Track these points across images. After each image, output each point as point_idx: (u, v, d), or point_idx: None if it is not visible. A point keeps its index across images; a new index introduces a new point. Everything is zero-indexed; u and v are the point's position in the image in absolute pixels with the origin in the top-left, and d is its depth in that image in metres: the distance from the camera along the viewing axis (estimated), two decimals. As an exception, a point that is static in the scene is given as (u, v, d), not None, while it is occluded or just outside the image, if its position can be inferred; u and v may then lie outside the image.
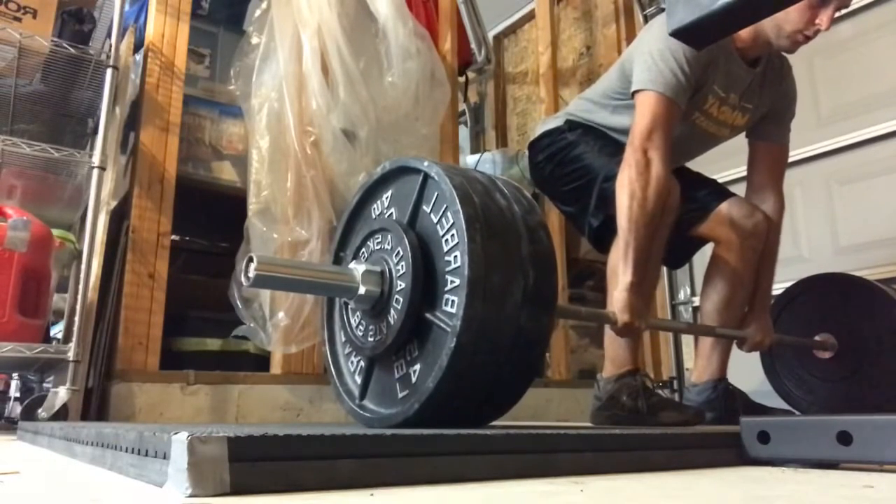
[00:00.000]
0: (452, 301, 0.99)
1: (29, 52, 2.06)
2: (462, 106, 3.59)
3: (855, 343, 1.96)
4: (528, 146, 2.03)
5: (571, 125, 1.90)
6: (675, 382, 2.87)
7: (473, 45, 3.47)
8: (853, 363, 1.96)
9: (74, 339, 1.83)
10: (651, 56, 1.62)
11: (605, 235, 1.77)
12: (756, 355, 2.32)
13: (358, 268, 1.12)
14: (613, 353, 1.71)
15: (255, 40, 2.28)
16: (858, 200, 2.40)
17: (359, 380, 1.19)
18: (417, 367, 1.05)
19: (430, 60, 2.37)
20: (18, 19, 2.02)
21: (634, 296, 1.51)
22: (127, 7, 2.20)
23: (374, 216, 1.25)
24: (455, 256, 1.01)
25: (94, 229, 1.94)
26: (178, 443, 0.64)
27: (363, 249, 1.19)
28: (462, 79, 3.39)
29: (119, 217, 2.12)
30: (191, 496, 0.62)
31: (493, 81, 3.74)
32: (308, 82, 2.18)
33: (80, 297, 1.88)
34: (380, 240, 1.16)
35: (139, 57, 2.24)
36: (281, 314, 2.04)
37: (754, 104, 1.83)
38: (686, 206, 1.77)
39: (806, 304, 2.09)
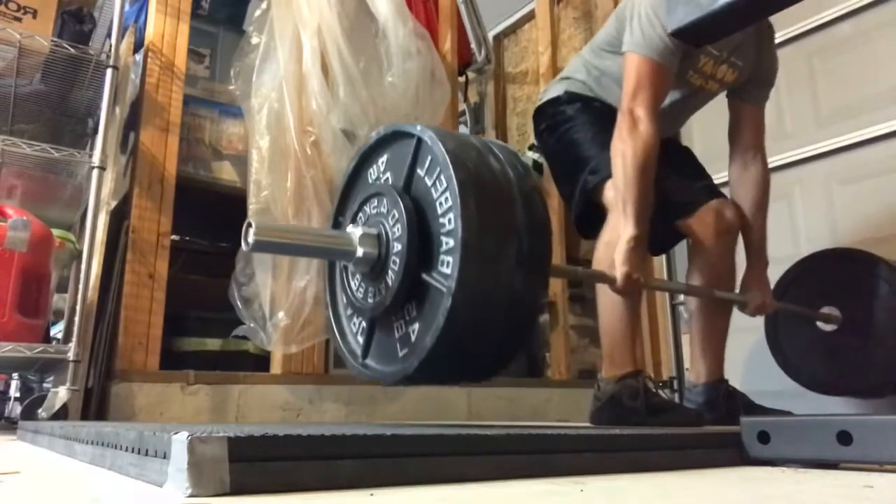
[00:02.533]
0: (448, 262, 1.01)
1: (29, 52, 2.06)
2: (462, 106, 3.59)
3: (860, 317, 1.95)
4: (534, 113, 2.03)
5: (571, 97, 1.90)
6: (675, 383, 2.87)
7: (473, 45, 3.47)
8: (858, 337, 1.95)
9: (74, 339, 1.83)
10: (639, 19, 1.66)
11: (586, 223, 1.81)
12: (755, 357, 2.32)
13: (355, 231, 1.14)
14: (612, 353, 1.71)
15: (255, 40, 2.28)
16: (858, 200, 2.41)
17: (361, 340, 1.22)
18: (416, 326, 1.07)
19: (430, 60, 2.37)
20: (18, 19, 2.02)
21: (635, 250, 1.53)
22: (127, 7, 2.20)
23: (370, 181, 1.26)
24: (449, 219, 1.02)
25: (94, 229, 1.94)
26: (179, 442, 0.64)
27: (360, 214, 1.21)
28: (462, 79, 3.39)
29: (119, 217, 2.12)
30: (191, 496, 0.62)
31: (493, 81, 3.74)
32: (308, 82, 2.18)
33: (80, 297, 1.88)
34: (376, 204, 1.18)
35: (139, 57, 2.24)
36: (281, 314, 2.04)
37: (744, 62, 1.84)
38: (680, 194, 1.79)
39: (812, 279, 2.08)
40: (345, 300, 1.28)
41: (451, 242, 1.01)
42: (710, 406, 1.82)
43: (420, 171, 1.11)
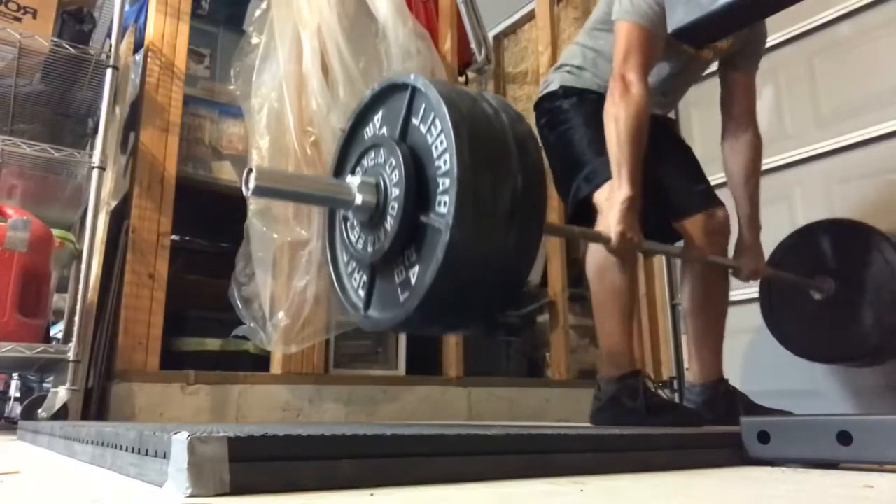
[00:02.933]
0: (444, 202, 1.03)
1: (29, 52, 2.06)
2: (462, 106, 3.58)
3: (853, 286, 1.97)
4: (534, 106, 2.03)
5: (567, 91, 1.90)
6: (675, 382, 2.87)
7: (473, 45, 3.47)
8: (851, 305, 1.97)
9: (74, 338, 1.83)
10: None
11: (578, 223, 1.82)
12: (755, 357, 2.33)
13: (354, 180, 1.16)
14: (610, 353, 1.72)
15: (255, 40, 2.28)
16: (858, 200, 2.40)
17: (362, 293, 1.23)
18: (416, 269, 1.08)
19: (430, 60, 2.37)
20: (18, 19, 2.02)
21: (630, 210, 1.55)
22: (127, 7, 2.20)
23: (366, 138, 1.27)
24: (444, 160, 1.04)
25: (94, 229, 1.94)
26: (179, 442, 0.64)
27: (358, 168, 1.23)
28: (462, 79, 3.39)
29: (119, 217, 2.12)
30: (191, 496, 0.62)
31: (493, 81, 3.74)
32: (308, 82, 2.18)
33: (80, 296, 1.88)
34: (373, 156, 1.19)
35: (139, 57, 2.24)
36: (281, 314, 2.04)
37: None
38: (680, 196, 1.81)
39: (806, 249, 2.10)
40: (345, 258, 1.30)
41: (447, 182, 1.02)
42: (710, 406, 1.82)
43: (415, 121, 1.13)
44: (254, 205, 2.11)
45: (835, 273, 2.02)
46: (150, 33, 2.16)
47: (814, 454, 0.98)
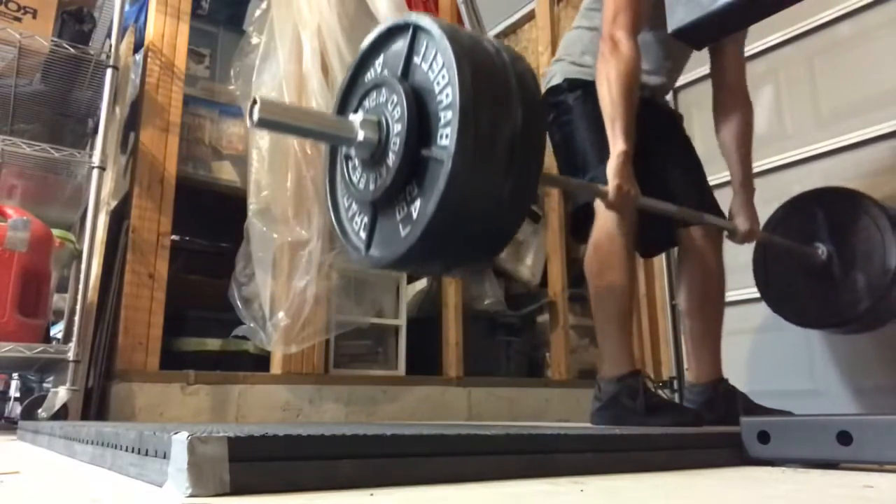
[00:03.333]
0: (446, 134, 1.03)
1: (29, 52, 2.06)
2: (462, 106, 3.58)
3: (845, 253, 2.00)
4: None
5: (571, 84, 1.89)
6: (675, 382, 2.87)
7: (473, 45, 3.47)
8: (843, 272, 1.99)
9: (74, 338, 1.83)
10: None
11: (579, 226, 1.84)
12: (755, 357, 2.32)
13: (356, 117, 1.16)
14: (610, 353, 1.72)
15: (255, 40, 2.28)
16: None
17: (363, 235, 1.23)
18: (417, 202, 1.08)
19: (430, 60, 2.37)
20: (18, 19, 2.02)
21: (625, 164, 1.57)
22: (127, 7, 2.20)
23: (367, 82, 1.28)
24: (447, 94, 1.05)
25: (94, 229, 1.94)
26: (179, 442, 0.64)
27: (360, 109, 1.23)
28: (462, 79, 3.38)
29: (119, 217, 2.12)
30: (191, 496, 0.62)
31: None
32: (308, 82, 2.18)
33: (80, 297, 1.88)
34: (375, 97, 1.19)
35: (139, 57, 2.24)
36: (281, 314, 2.04)
37: None
38: (685, 202, 1.79)
39: (800, 218, 2.12)
40: (346, 203, 1.30)
41: (449, 114, 1.03)
42: (710, 406, 1.82)
43: (417, 60, 1.13)
44: (254, 204, 2.11)
45: (827, 239, 2.05)
46: (150, 33, 2.16)
47: (814, 454, 0.98)
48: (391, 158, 1.11)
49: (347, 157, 1.25)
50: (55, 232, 2.15)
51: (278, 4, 2.24)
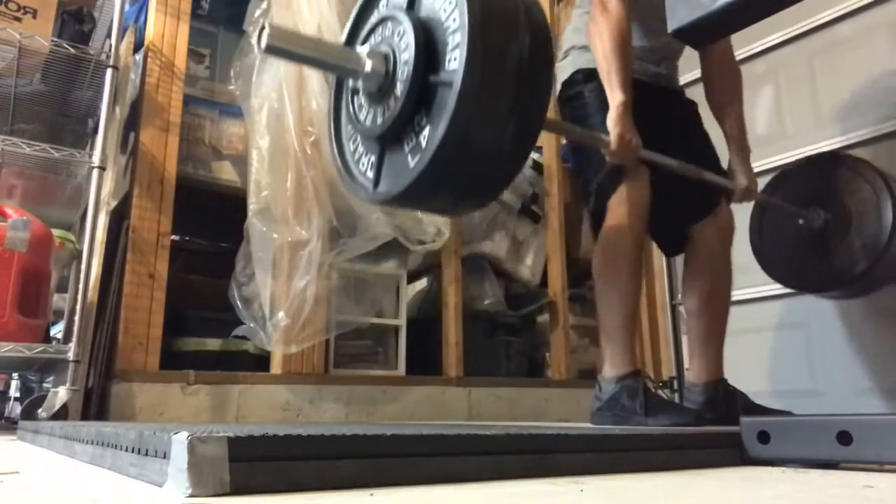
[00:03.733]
0: (455, 57, 1.03)
1: (29, 52, 2.06)
2: (462, 106, 3.58)
3: (842, 216, 2.02)
4: (556, 98, 2.03)
5: (585, 75, 1.88)
6: (675, 382, 2.87)
7: (473, 45, 3.46)
8: (838, 236, 2.02)
9: (74, 339, 1.83)
10: None
11: (599, 226, 1.84)
12: (755, 357, 2.32)
13: (363, 49, 1.16)
14: (612, 352, 1.72)
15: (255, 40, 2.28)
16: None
17: (371, 174, 1.22)
18: (427, 130, 1.07)
19: (430, 60, 2.37)
20: (18, 19, 2.02)
21: (625, 114, 1.63)
22: (127, 7, 2.20)
23: (372, 20, 1.27)
24: (454, 18, 1.05)
25: (94, 229, 1.94)
26: (179, 442, 0.64)
27: (367, 44, 1.22)
28: (462, 79, 3.38)
29: (119, 217, 2.12)
30: (191, 496, 0.62)
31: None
32: (308, 82, 2.18)
33: (80, 297, 1.88)
34: (381, 31, 1.19)
35: (139, 57, 2.24)
36: (281, 314, 2.04)
37: None
38: (700, 200, 1.84)
39: (797, 183, 2.14)
40: (352, 147, 1.29)
41: (457, 37, 1.03)
42: (710, 406, 1.82)
43: None
44: (254, 204, 2.11)
45: (823, 203, 2.07)
46: (150, 33, 2.16)
47: (814, 454, 0.98)
48: (399, 88, 1.10)
49: (354, 94, 1.24)
50: (55, 232, 2.15)
51: (278, 4, 2.24)
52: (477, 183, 1.13)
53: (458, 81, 0.99)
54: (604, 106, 1.78)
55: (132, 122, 2.19)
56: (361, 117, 1.22)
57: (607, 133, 1.76)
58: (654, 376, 2.92)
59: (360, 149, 1.27)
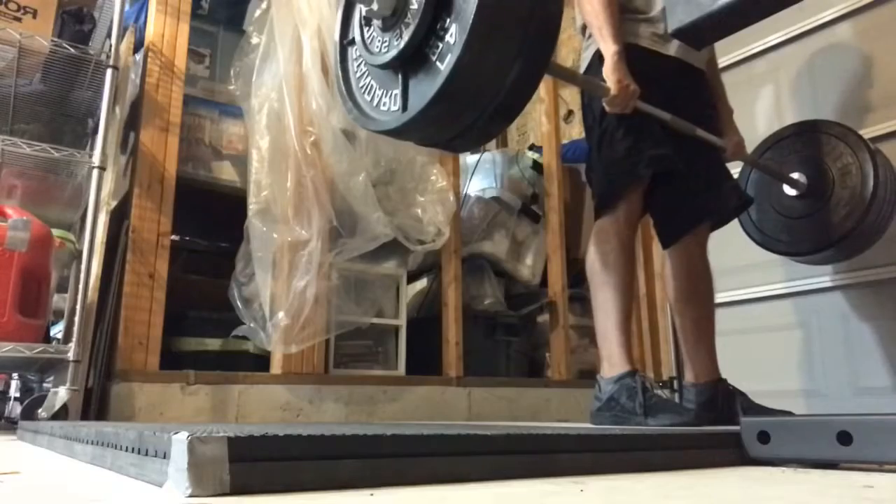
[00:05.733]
0: None
1: (29, 52, 2.06)
2: (462, 106, 3.57)
3: (825, 182, 2.08)
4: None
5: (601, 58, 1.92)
6: (675, 382, 2.87)
7: (473, 45, 3.46)
8: (822, 200, 2.08)
9: (74, 339, 1.83)
10: None
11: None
12: (755, 357, 2.33)
13: None
14: (609, 352, 1.73)
15: (255, 40, 2.28)
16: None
17: (398, 102, 1.19)
18: (453, 27, 1.07)
19: (430, 60, 2.37)
20: (18, 19, 2.02)
21: (620, 61, 1.70)
22: (127, 7, 2.20)
23: None
24: None
25: (94, 229, 1.94)
26: (179, 442, 0.64)
27: None
28: (462, 79, 3.38)
29: (119, 217, 2.12)
30: (191, 496, 0.62)
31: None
32: (308, 82, 2.18)
33: (80, 297, 1.88)
34: None
35: (139, 57, 2.24)
36: (281, 314, 2.04)
37: None
38: (703, 205, 1.87)
39: (786, 149, 2.20)
40: (368, 98, 1.27)
41: None
42: (710, 406, 1.82)
43: None
44: (254, 204, 2.11)
45: (809, 169, 2.13)
46: (150, 33, 2.16)
47: (814, 454, 0.98)
48: (414, 5, 1.10)
49: (367, 23, 1.23)
50: (55, 232, 2.15)
51: (278, 4, 2.24)
52: (516, 58, 1.10)
53: None
54: (625, 125, 1.82)
55: (132, 123, 2.19)
56: (378, 48, 1.21)
57: (628, 147, 1.79)
58: (654, 376, 2.92)
59: (379, 92, 1.25)
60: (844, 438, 0.94)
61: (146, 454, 0.74)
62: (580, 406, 2.63)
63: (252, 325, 2.05)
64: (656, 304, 2.98)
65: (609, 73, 1.69)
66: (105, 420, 1.82)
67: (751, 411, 1.79)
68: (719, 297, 2.62)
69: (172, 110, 2.13)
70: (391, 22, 1.15)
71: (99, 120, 2.02)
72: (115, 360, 1.89)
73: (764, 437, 1.04)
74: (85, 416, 1.84)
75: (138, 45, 2.27)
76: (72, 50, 2.06)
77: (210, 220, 2.38)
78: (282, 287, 2.08)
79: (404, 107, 1.17)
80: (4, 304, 1.86)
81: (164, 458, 0.68)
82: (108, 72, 2.02)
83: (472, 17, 1.02)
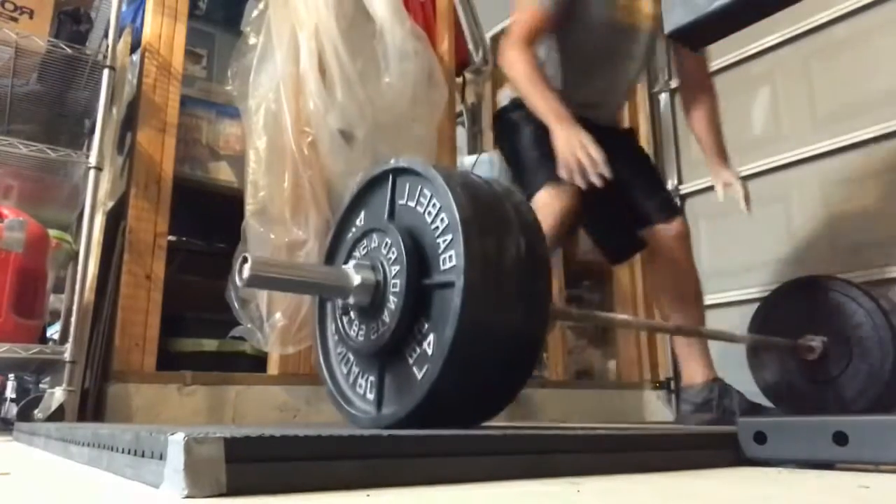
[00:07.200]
0: (450, 256, 1.01)
1: (25, 53, 2.06)
2: (459, 107, 3.58)
3: (840, 345, 2.00)
4: (493, 119, 2.16)
5: (515, 104, 2.00)
6: (672, 383, 2.87)
7: (471, 46, 3.47)
8: (838, 365, 2.00)
9: (71, 339, 1.83)
10: None
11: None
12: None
13: (349, 265, 1.14)
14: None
15: (252, 41, 2.28)
16: (856, 202, 2.41)
17: (371, 396, 1.14)
18: (431, 337, 1.03)
19: (427, 61, 2.37)
20: (15, 19, 2.01)
21: (568, 126, 1.72)
22: (124, 7, 2.20)
23: (352, 235, 1.24)
24: (442, 219, 1.04)
25: (90, 230, 1.93)
26: (175, 443, 0.64)
27: (350, 261, 1.18)
28: (459, 80, 3.39)
29: (116, 218, 2.11)
30: (187, 497, 0.62)
31: (490, 82, 3.74)
32: (305, 83, 2.18)
33: (76, 297, 1.87)
34: (365, 244, 1.17)
35: (136, 57, 2.23)
36: (278, 315, 2.04)
37: None
38: (645, 206, 1.93)
39: (790, 307, 2.12)
40: (344, 370, 1.24)
41: (449, 236, 1.01)
42: (707, 406, 1.83)
43: (401, 201, 1.14)
44: (251, 205, 2.10)
45: (816, 329, 2.04)
46: (147, 33, 2.16)
47: (810, 455, 0.98)
48: (393, 301, 1.06)
49: (344, 312, 1.19)
50: (52, 232, 2.14)
51: (275, 5, 2.24)
52: (498, 378, 1.07)
53: (459, 278, 0.96)
54: (529, 143, 1.91)
55: (129, 123, 2.18)
56: (353, 334, 1.17)
57: (534, 158, 1.87)
58: (651, 377, 2.93)
59: (355, 370, 1.21)
60: (840, 439, 0.95)
61: (142, 455, 0.74)
62: (578, 406, 2.64)
63: (249, 325, 2.04)
64: (654, 306, 2.99)
65: (564, 148, 1.70)
66: (101, 421, 1.82)
67: (748, 411, 1.80)
68: (719, 298, 2.63)
69: (169, 111, 2.13)
70: (370, 312, 1.12)
71: (95, 120, 2.01)
72: (112, 360, 1.89)
73: (760, 437, 1.04)
74: (81, 417, 1.84)
75: (135, 45, 2.27)
76: (68, 50, 2.06)
77: (207, 220, 2.38)
78: (279, 288, 2.07)
79: (378, 406, 1.12)
80: (1, 304, 1.85)
81: (161, 459, 0.68)
82: (105, 72, 2.02)
83: (447, 345, 0.97)
